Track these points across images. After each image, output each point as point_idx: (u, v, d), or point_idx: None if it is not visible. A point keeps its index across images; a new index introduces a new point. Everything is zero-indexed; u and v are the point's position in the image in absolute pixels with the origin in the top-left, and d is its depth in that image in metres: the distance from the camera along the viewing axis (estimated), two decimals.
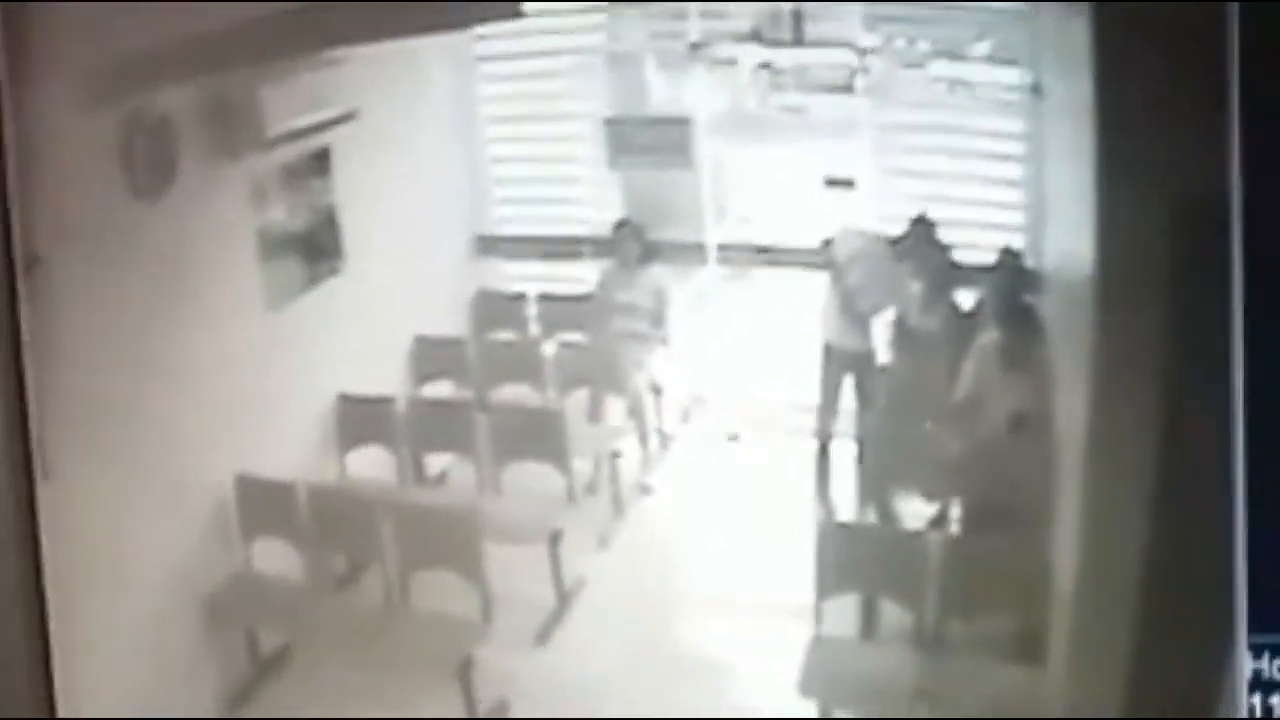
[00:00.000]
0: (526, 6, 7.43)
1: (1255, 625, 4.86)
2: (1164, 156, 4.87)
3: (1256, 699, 4.89)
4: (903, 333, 7.85)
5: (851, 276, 7.69)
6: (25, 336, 5.55)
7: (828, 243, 7.80)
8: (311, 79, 7.27)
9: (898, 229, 7.73)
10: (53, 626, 5.62)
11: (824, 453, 7.70)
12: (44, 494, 5.60)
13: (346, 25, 6.54)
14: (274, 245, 7.41)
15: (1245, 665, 4.88)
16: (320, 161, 7.67)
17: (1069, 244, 5.82)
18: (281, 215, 7.48)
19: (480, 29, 8.55)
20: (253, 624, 7.01)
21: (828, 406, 7.75)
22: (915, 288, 7.78)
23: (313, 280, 7.67)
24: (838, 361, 7.77)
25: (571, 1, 8.48)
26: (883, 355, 7.85)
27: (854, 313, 7.72)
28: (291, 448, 7.45)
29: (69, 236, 5.87)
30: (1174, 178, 4.86)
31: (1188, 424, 4.94)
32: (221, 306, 6.96)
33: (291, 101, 7.21)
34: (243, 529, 7.08)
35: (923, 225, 7.73)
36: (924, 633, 6.38)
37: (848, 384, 7.77)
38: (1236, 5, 4.83)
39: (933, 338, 7.66)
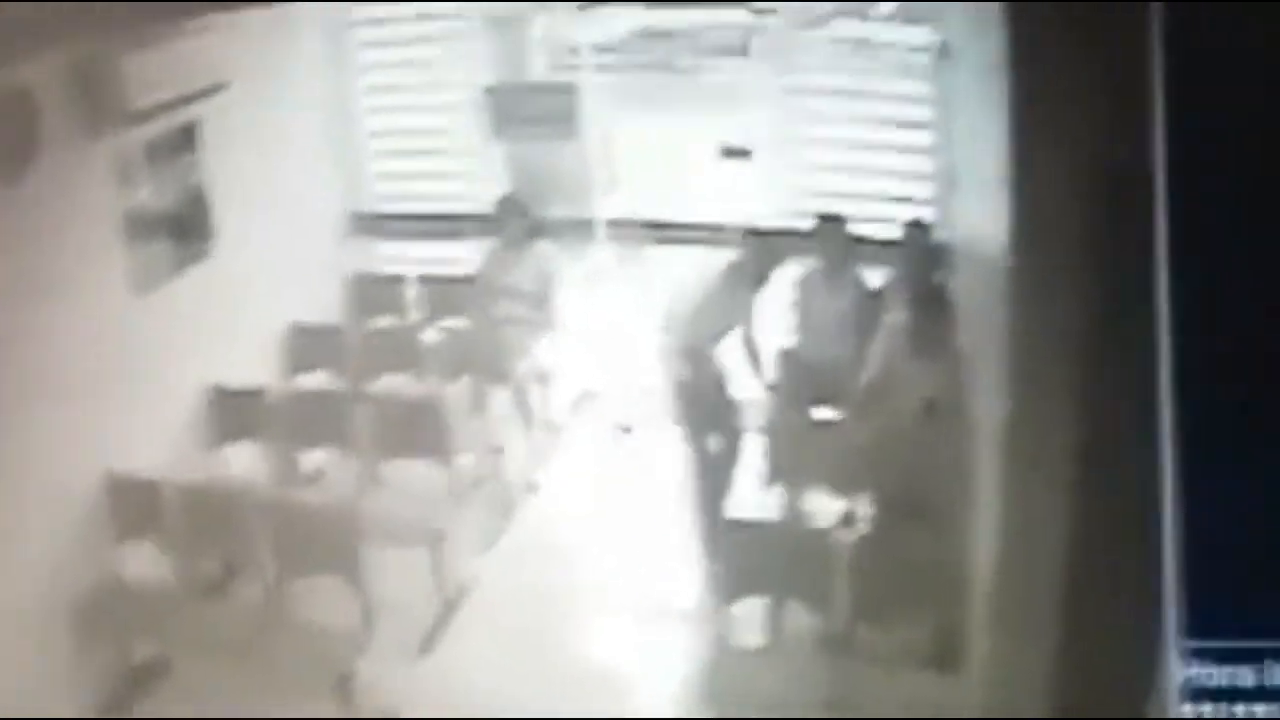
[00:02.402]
0: None
1: (1188, 630, 4.71)
2: (1082, 120, 4.67)
3: (1189, 707, 4.73)
4: (806, 314, 7.70)
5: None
6: None
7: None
8: (178, 48, 7.00)
9: (802, 220, 7.60)
10: None
11: (704, 446, 7.41)
12: None
13: None
14: (140, 227, 7.14)
15: (1178, 672, 4.73)
16: (188, 137, 7.43)
17: (981, 217, 5.63)
18: (148, 195, 7.20)
19: None
20: (124, 632, 6.77)
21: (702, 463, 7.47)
22: (819, 266, 7.63)
23: (181, 264, 7.41)
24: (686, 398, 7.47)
25: None
26: (787, 340, 7.70)
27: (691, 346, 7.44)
28: (162, 443, 7.22)
29: None
30: (1093, 143, 4.66)
31: (1111, 409, 4.76)
32: (85, 292, 6.70)
33: (157, 72, 6.93)
34: (112, 530, 6.81)
35: (832, 223, 7.59)
36: (833, 637, 6.09)
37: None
38: None
39: (838, 319, 7.51)
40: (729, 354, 7.43)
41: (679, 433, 7.40)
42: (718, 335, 7.34)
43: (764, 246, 7.38)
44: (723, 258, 7.40)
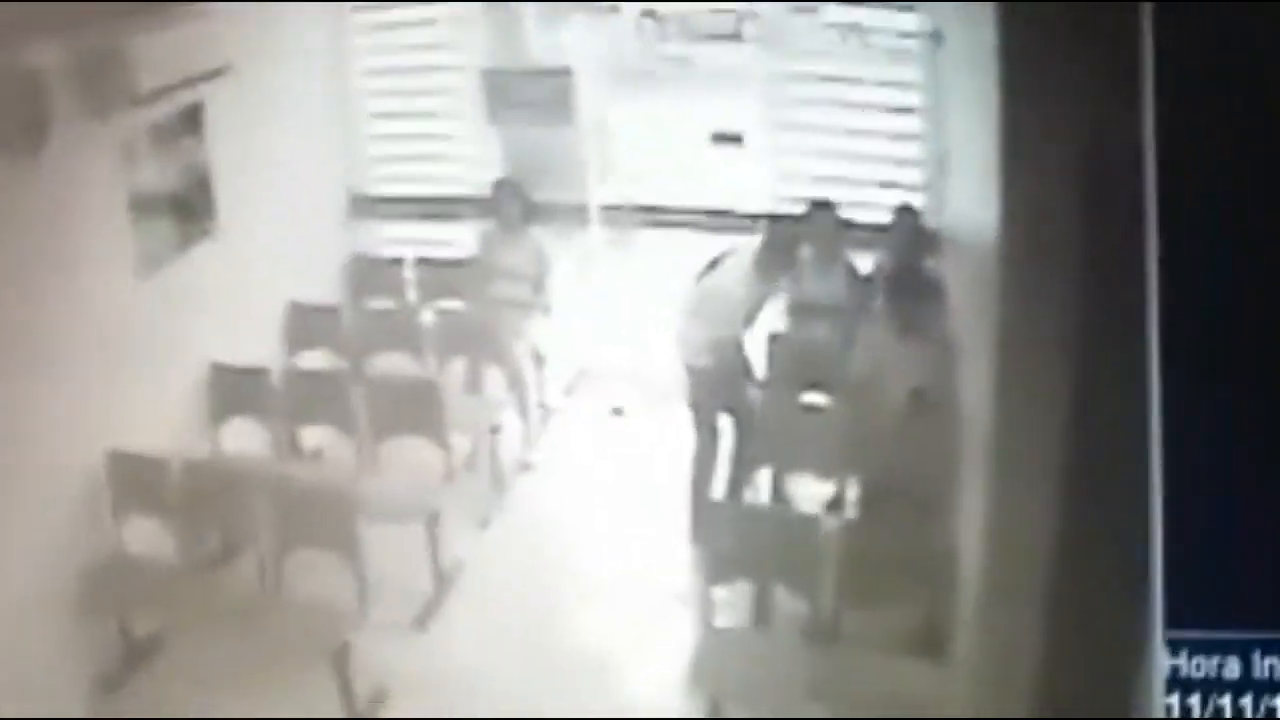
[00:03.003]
0: None
1: (1173, 620, 4.60)
2: (1073, 107, 4.57)
3: (1175, 698, 4.61)
4: (796, 299, 7.58)
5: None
6: None
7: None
8: (183, 32, 6.87)
9: (794, 205, 7.45)
10: None
11: (706, 430, 7.25)
12: None
13: None
14: (145, 207, 7.03)
15: (1163, 662, 4.62)
16: (192, 119, 7.31)
17: (971, 203, 5.56)
18: (153, 176, 7.10)
19: None
20: (125, 606, 6.64)
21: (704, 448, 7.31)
22: (809, 251, 7.47)
23: (184, 243, 7.30)
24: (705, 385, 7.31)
25: None
26: (776, 324, 7.55)
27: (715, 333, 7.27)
28: (163, 420, 7.10)
29: None
30: (1083, 128, 4.57)
31: (1099, 399, 4.66)
32: (91, 271, 6.59)
33: (163, 56, 6.80)
34: (114, 507, 6.70)
35: (823, 209, 7.46)
36: (820, 623, 5.96)
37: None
38: None
39: (828, 305, 7.40)
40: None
41: (688, 416, 7.25)
42: (748, 321, 7.19)
43: (790, 232, 7.27)
44: (746, 244, 7.24)
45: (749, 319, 7.17)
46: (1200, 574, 4.53)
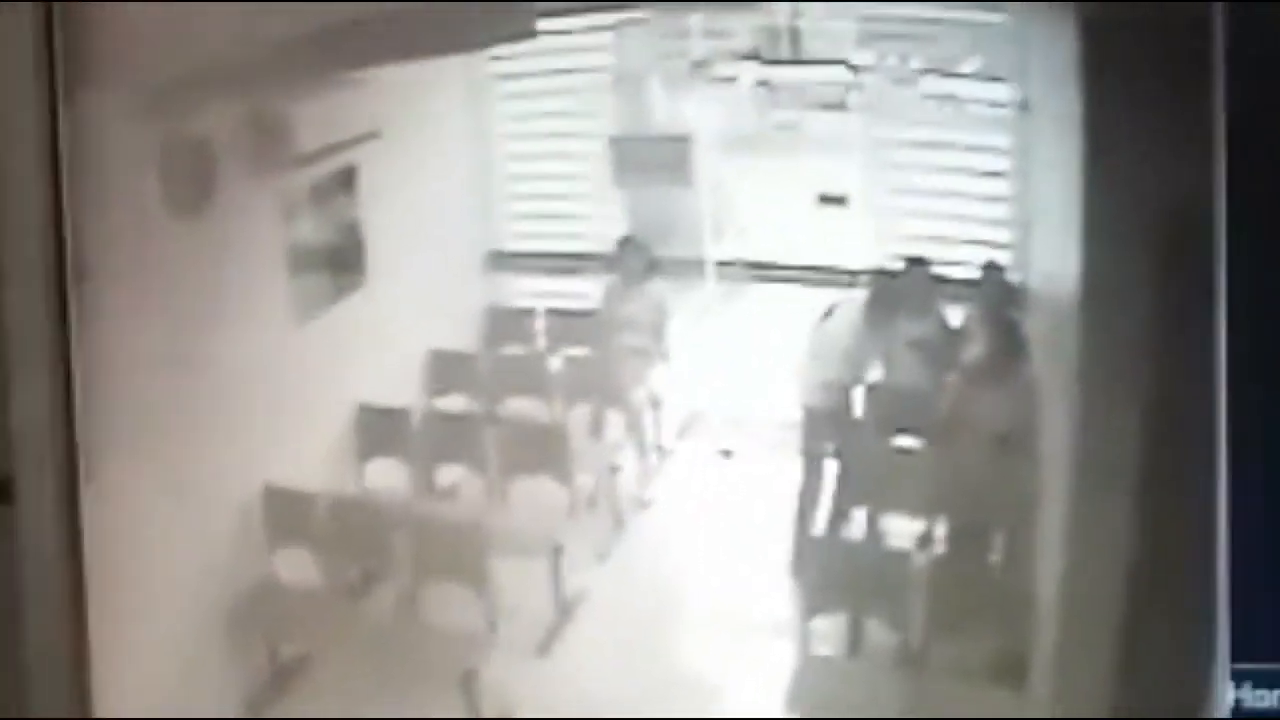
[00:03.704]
0: (542, 25, 7.30)
1: (1236, 652, 4.63)
2: (1150, 170, 4.69)
3: None
4: (891, 348, 7.48)
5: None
6: (74, 346, 5.50)
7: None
8: (339, 99, 7.11)
9: (893, 263, 7.48)
10: (91, 628, 5.57)
11: (813, 470, 7.30)
12: (85, 495, 5.54)
13: (372, 46, 6.50)
14: (302, 260, 7.28)
15: (1227, 693, 4.65)
16: (347, 180, 7.52)
17: (1055, 259, 5.57)
18: (310, 232, 7.35)
19: (496, 49, 8.44)
20: (274, 632, 6.85)
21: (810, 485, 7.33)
22: (904, 306, 7.45)
23: (337, 295, 7.52)
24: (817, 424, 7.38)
25: (584, 14, 8.32)
26: (873, 372, 7.54)
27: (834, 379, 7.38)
28: (314, 458, 7.29)
29: (114, 249, 5.78)
30: (1160, 191, 4.69)
31: (1172, 443, 4.74)
32: (253, 320, 6.81)
33: (321, 122, 7.07)
34: (267, 538, 6.91)
35: (919, 266, 7.45)
36: (909, 653, 6.08)
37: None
38: (1221, 15, 4.63)
39: (920, 353, 7.36)
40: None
41: (799, 459, 7.31)
42: (857, 366, 7.35)
43: (892, 287, 7.37)
44: (858, 294, 7.41)
45: (858, 365, 7.25)
46: (1264, 607, 4.56)
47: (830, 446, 7.17)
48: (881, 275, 7.40)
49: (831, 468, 7.21)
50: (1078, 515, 5.08)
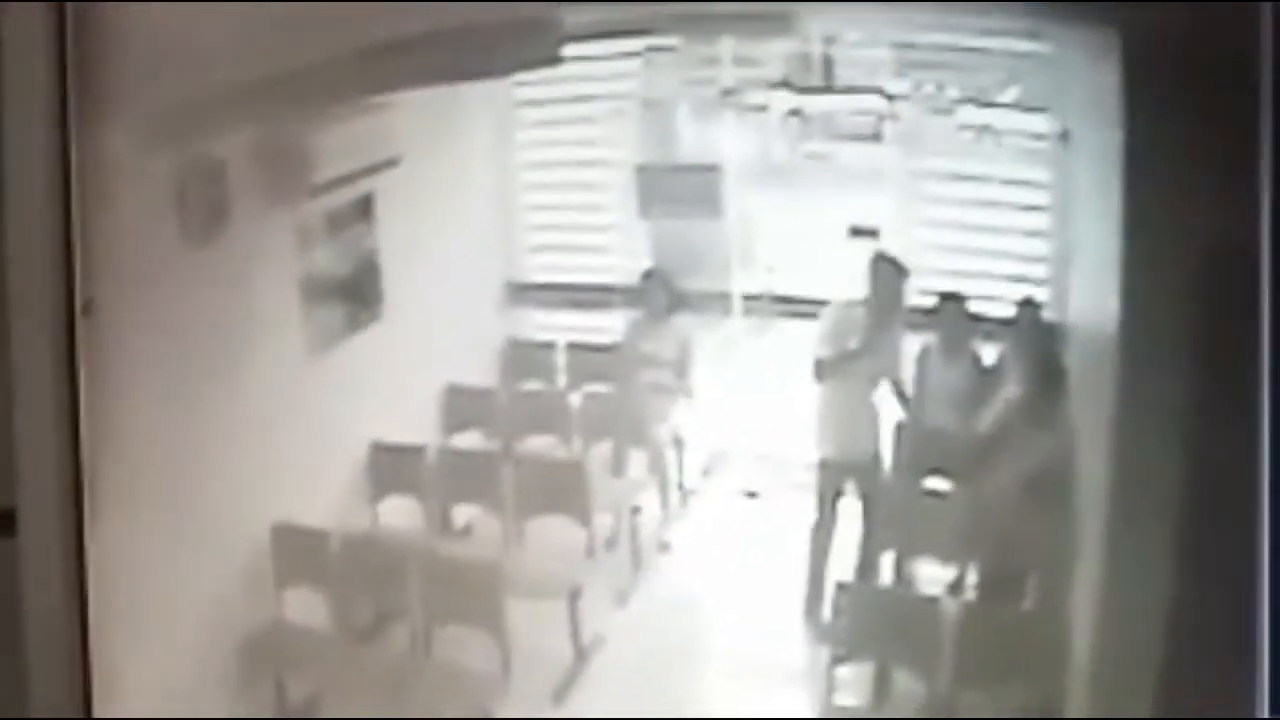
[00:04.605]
0: (567, 51, 7.33)
1: (1276, 704, 4.63)
2: (1193, 205, 4.64)
3: None
4: (922, 386, 7.54)
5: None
6: (82, 379, 5.50)
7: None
8: (357, 126, 7.10)
9: (926, 299, 7.45)
10: (94, 664, 5.56)
11: (835, 512, 7.30)
12: (90, 529, 5.54)
13: (392, 71, 6.44)
14: (317, 291, 7.26)
15: None
16: (364, 208, 7.51)
17: (1093, 297, 5.56)
18: (325, 261, 7.32)
19: (519, 75, 8.46)
20: (282, 673, 6.82)
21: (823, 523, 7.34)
22: (937, 341, 7.48)
23: (354, 327, 7.50)
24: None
25: (611, 40, 8.35)
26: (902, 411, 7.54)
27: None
28: (326, 495, 7.27)
29: (124, 280, 5.73)
30: (1203, 227, 4.63)
31: (1213, 487, 4.70)
32: (266, 352, 6.82)
33: (338, 148, 7.06)
34: (277, 577, 6.89)
35: (953, 302, 7.45)
36: (937, 703, 6.02)
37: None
38: (1270, 48, 4.64)
39: (952, 393, 7.35)
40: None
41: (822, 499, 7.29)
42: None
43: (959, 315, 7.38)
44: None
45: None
46: None
47: (849, 486, 7.17)
48: (915, 312, 7.41)
49: (854, 509, 7.19)
50: (1114, 561, 5.03)
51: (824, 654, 6.43)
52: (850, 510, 7.26)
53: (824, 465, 7.20)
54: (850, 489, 7.19)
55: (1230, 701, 4.66)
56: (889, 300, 7.01)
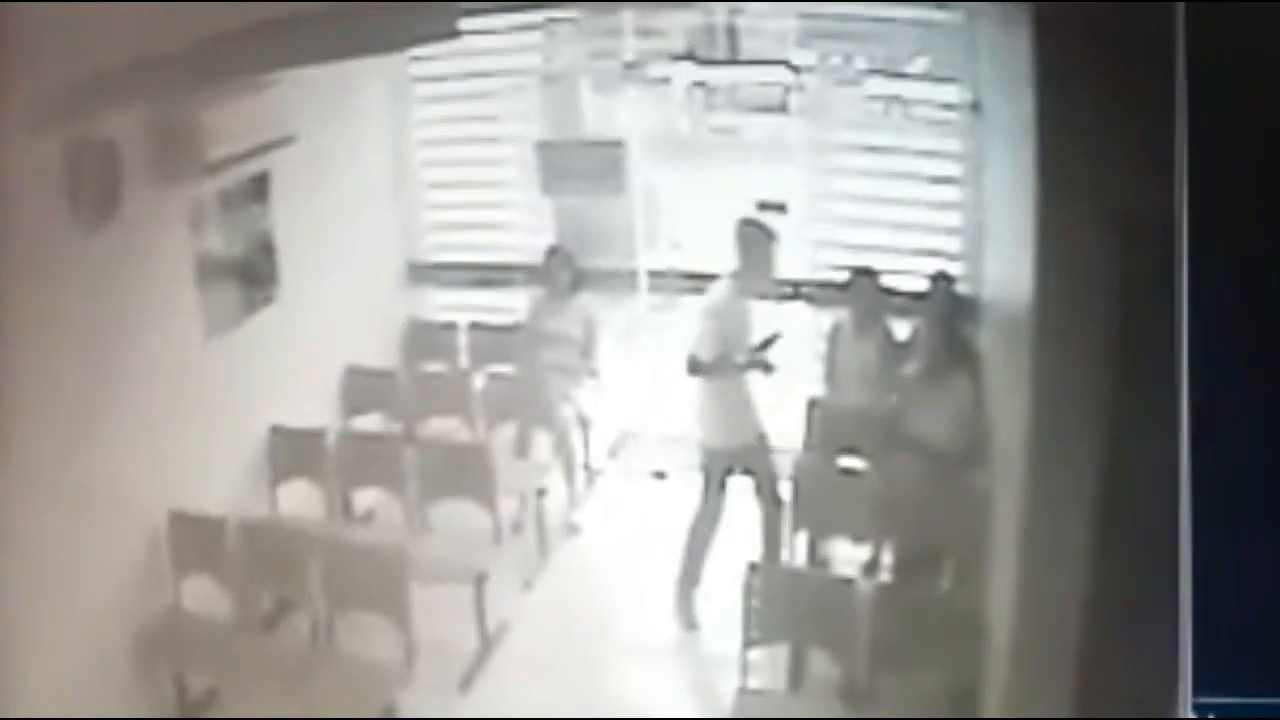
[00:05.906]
0: (464, 25, 7.18)
1: (1201, 686, 4.54)
2: (1108, 175, 4.56)
3: None
4: (834, 364, 7.54)
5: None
6: None
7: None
8: (251, 103, 6.95)
9: (834, 274, 7.45)
10: None
11: (722, 499, 7.18)
12: None
13: (285, 47, 6.19)
14: (212, 272, 7.09)
15: None
16: (259, 187, 7.39)
17: (1008, 270, 5.50)
18: (220, 242, 7.15)
19: (416, 50, 8.36)
20: (181, 663, 6.68)
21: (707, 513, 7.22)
22: (849, 318, 7.47)
23: (249, 309, 7.36)
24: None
25: (509, 13, 8.24)
26: (815, 389, 7.53)
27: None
28: (223, 481, 7.15)
29: (14, 264, 5.61)
30: (1118, 197, 4.54)
31: (1132, 461, 4.62)
32: (158, 334, 6.65)
33: (231, 126, 6.89)
34: (173, 565, 6.73)
35: (865, 277, 7.42)
36: (854, 685, 5.92)
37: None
38: (1181, 15, 4.55)
39: (864, 369, 7.34)
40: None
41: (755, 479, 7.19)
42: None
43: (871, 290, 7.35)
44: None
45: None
46: (1228, 640, 4.48)
47: (741, 466, 7.09)
48: (825, 287, 7.34)
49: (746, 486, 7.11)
50: (1032, 539, 4.98)
51: (739, 636, 6.29)
52: (743, 490, 7.18)
53: (708, 452, 7.06)
54: (738, 468, 7.05)
55: (1151, 684, 4.59)
56: (758, 267, 6.88)
